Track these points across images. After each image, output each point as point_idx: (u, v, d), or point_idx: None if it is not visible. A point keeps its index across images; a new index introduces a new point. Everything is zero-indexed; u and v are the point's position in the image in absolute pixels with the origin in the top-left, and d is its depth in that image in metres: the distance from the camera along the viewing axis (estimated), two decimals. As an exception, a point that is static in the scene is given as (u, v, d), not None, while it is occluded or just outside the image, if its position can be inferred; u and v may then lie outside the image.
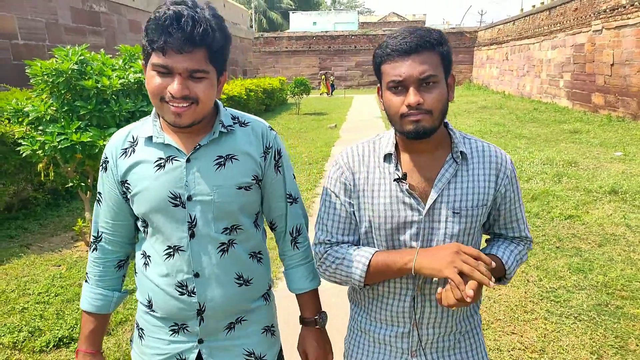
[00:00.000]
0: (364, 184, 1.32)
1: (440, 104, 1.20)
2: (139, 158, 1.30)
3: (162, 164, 1.28)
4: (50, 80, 3.93)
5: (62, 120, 3.90)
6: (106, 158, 1.35)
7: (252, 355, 1.42)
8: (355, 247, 1.33)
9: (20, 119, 4.05)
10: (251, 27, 25.09)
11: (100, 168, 1.38)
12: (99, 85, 3.94)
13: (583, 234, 4.81)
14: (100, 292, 1.40)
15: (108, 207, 1.36)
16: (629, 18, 13.05)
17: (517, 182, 1.37)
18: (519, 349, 2.94)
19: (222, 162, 1.31)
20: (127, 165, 1.31)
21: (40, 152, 3.94)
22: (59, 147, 3.77)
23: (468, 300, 1.08)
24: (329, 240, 1.35)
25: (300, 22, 41.51)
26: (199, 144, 1.29)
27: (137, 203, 1.31)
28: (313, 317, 1.49)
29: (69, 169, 4.43)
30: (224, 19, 1.23)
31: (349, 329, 1.49)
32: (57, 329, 3.10)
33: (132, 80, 4.14)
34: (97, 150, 3.87)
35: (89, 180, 4.56)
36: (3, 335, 3.02)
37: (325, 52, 33.83)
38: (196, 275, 1.31)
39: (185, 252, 1.31)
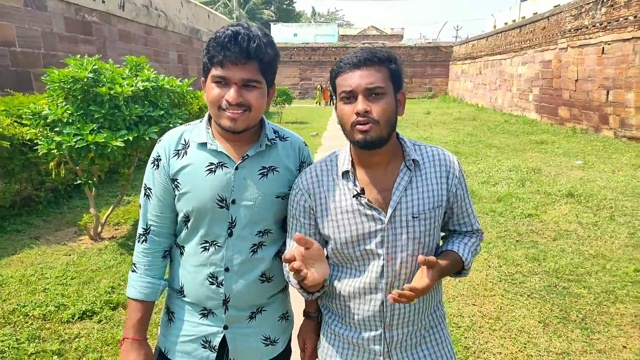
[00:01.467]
0: (325, 203, 1.40)
1: (386, 115, 1.29)
2: (191, 161, 1.43)
3: (213, 169, 1.41)
4: (67, 86, 4.36)
5: (78, 122, 4.33)
6: (158, 156, 1.46)
7: (268, 340, 1.56)
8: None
9: (37, 122, 4.45)
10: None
11: (152, 165, 1.48)
12: (112, 92, 4.39)
13: (540, 230, 5.43)
14: (149, 281, 1.49)
15: (158, 201, 1.47)
16: (591, 38, 14.01)
17: (464, 181, 1.46)
18: (478, 316, 3.50)
19: (265, 173, 1.45)
20: (180, 166, 1.43)
21: (55, 151, 4.36)
22: (76, 146, 4.20)
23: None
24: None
25: (282, 33, 42.20)
26: (247, 154, 1.43)
27: (184, 201, 1.43)
28: (315, 313, 1.64)
29: (78, 167, 4.85)
30: (272, 38, 1.40)
31: (323, 334, 1.55)
32: (80, 304, 3.52)
33: (141, 88, 4.60)
34: (109, 150, 4.30)
35: (95, 179, 4.98)
36: (33, 309, 3.43)
37: (305, 63, 34.51)
38: (226, 269, 1.45)
39: (221, 247, 1.44)
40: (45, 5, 9.28)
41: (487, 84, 24.75)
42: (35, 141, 4.61)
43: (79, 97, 4.39)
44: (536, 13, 21.86)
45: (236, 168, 1.41)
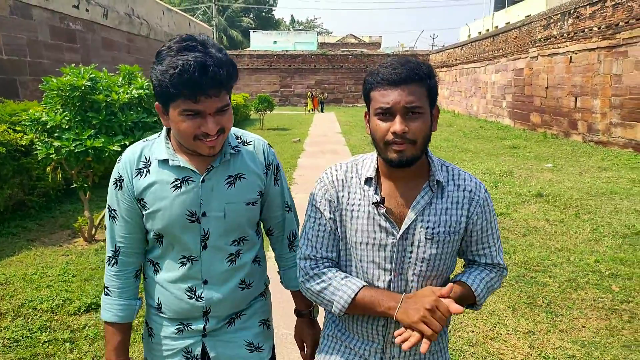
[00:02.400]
0: (346, 202, 1.37)
1: (423, 134, 1.25)
2: (154, 179, 1.38)
3: (179, 185, 1.38)
4: (65, 94, 4.59)
5: (76, 128, 4.55)
6: (120, 177, 1.41)
7: (252, 346, 1.54)
8: (343, 275, 1.37)
9: (36, 127, 4.65)
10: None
11: (114, 186, 1.42)
12: (108, 99, 4.63)
13: (511, 227, 5.84)
14: (123, 303, 1.47)
15: (125, 222, 1.43)
16: (559, 47, 14.71)
17: (491, 211, 1.39)
18: (454, 303, 3.84)
19: (232, 181, 1.42)
20: (144, 185, 1.39)
21: (54, 155, 4.57)
22: (75, 151, 4.42)
23: (421, 350, 1.19)
24: (314, 256, 1.39)
25: (261, 41, 42.50)
26: (212, 165, 1.39)
27: (154, 220, 1.40)
28: (308, 310, 1.64)
29: (73, 172, 5.05)
30: (225, 51, 1.31)
31: (324, 336, 1.53)
32: (85, 299, 3.74)
33: (136, 95, 4.84)
34: (106, 154, 4.53)
35: (89, 183, 5.18)
36: (40, 303, 3.64)
37: (285, 71, 34.87)
38: (205, 282, 1.44)
39: (197, 261, 1.43)
40: (31, 14, 9.41)
41: (463, 91, 25.47)
42: (34, 146, 4.81)
43: (77, 104, 4.62)
44: (509, 23, 22.68)
45: (202, 181, 1.38)
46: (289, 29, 64.26)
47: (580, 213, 6.33)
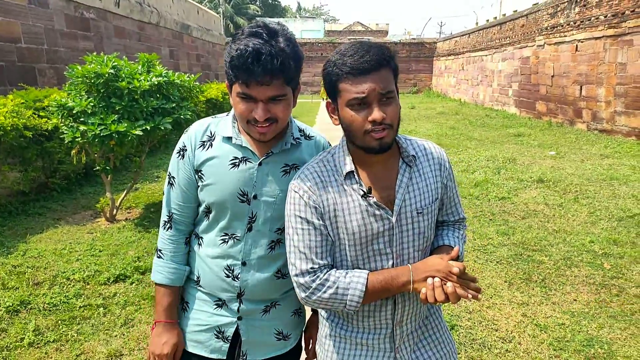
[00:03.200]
0: (333, 204, 1.33)
1: (397, 116, 1.28)
2: (216, 153, 1.43)
3: (237, 163, 1.42)
4: (90, 81, 4.87)
5: (101, 114, 4.84)
6: (184, 146, 1.47)
7: (281, 334, 1.58)
8: (344, 272, 1.33)
9: (62, 112, 4.95)
10: (221, 33, 26.00)
11: (177, 155, 1.48)
12: (130, 86, 4.91)
13: (511, 210, 6.10)
14: (175, 267, 1.52)
15: (181, 190, 1.48)
16: (566, 36, 14.79)
17: (452, 171, 1.48)
18: (454, 277, 4.13)
19: (288, 170, 1.46)
20: (204, 158, 1.44)
21: (80, 139, 4.87)
22: (100, 134, 4.72)
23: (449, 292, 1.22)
24: (312, 268, 1.32)
25: (268, 29, 42.40)
26: (272, 151, 1.44)
27: (207, 192, 1.44)
28: None
29: (97, 155, 5.36)
30: (294, 37, 1.36)
31: (325, 336, 1.49)
32: (113, 270, 4.06)
33: (155, 83, 5.12)
34: (128, 138, 4.83)
35: (111, 166, 5.49)
36: (72, 274, 3.97)
37: (292, 59, 34.94)
38: (243, 263, 1.47)
39: (240, 241, 1.46)
40: (48, 3, 9.69)
41: (469, 79, 25.52)
42: (60, 130, 5.11)
43: (101, 91, 4.90)
44: (516, 10, 22.65)
45: (259, 164, 1.43)
46: (295, 17, 64.08)
47: (579, 197, 6.57)
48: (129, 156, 6.70)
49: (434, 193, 1.39)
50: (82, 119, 4.87)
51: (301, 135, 1.53)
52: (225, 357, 1.53)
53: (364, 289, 1.28)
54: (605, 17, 12.69)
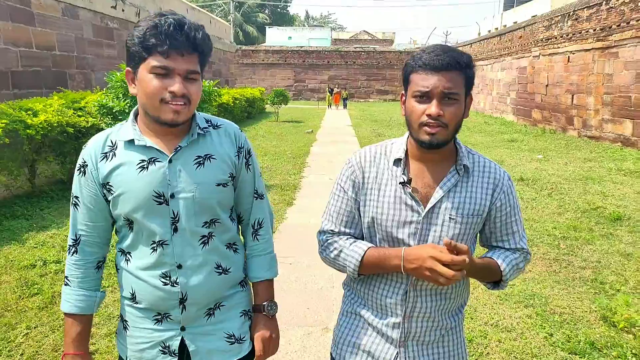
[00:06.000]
0: (373, 182, 1.41)
1: (456, 119, 1.30)
2: (121, 161, 1.35)
3: (145, 166, 1.35)
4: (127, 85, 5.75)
5: (136, 113, 5.72)
6: (84, 162, 1.38)
7: (232, 337, 1.50)
8: (353, 240, 1.43)
9: (103, 112, 5.83)
10: (232, 41, 27.06)
11: (78, 173, 1.40)
12: (161, 90, 5.77)
13: (490, 203, 6.89)
14: (83, 294, 1.43)
15: (87, 209, 1.40)
16: (559, 47, 15.61)
17: (514, 198, 1.44)
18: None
19: (202, 162, 1.40)
20: (110, 168, 1.36)
21: (117, 134, 5.74)
22: (135, 130, 5.58)
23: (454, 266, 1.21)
24: (331, 230, 1.46)
25: (277, 37, 43.68)
26: (180, 146, 1.37)
27: (120, 203, 1.36)
28: (262, 304, 1.56)
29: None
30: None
31: (342, 312, 1.56)
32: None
33: (181, 87, 5.99)
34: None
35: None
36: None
37: (299, 66, 35.98)
38: (179, 266, 1.39)
39: (168, 245, 1.38)
40: (78, 14, 10.68)
41: (471, 87, 26.29)
42: (100, 126, 6.00)
43: (137, 94, 5.77)
44: (516, 22, 23.49)
45: (170, 161, 1.36)
46: (303, 25, 65.31)
47: (552, 193, 7.36)
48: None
49: (476, 207, 1.38)
50: (120, 118, 5.74)
51: (208, 125, 1.47)
52: None
53: (360, 259, 1.38)
54: (594, 30, 13.50)
